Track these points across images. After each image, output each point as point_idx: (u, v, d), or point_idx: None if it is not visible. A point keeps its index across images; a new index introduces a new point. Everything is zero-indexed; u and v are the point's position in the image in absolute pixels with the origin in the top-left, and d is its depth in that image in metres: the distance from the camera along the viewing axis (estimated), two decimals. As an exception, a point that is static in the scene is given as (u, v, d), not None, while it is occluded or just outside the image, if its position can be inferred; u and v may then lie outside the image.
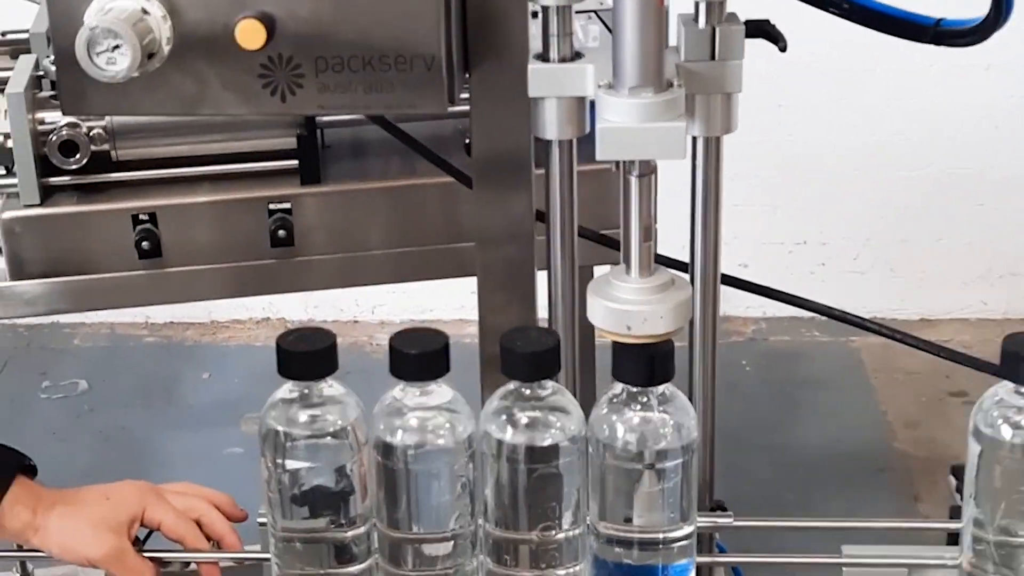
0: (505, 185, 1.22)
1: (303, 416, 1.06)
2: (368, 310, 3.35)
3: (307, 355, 1.05)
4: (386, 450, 1.04)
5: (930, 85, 3.10)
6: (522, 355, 1.00)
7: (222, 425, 2.97)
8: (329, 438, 1.06)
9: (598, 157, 1.02)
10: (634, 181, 1.05)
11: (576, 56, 1.14)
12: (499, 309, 1.27)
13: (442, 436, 1.04)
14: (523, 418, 1.02)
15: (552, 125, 1.15)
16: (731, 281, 1.35)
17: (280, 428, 1.06)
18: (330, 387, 1.08)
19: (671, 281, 1.07)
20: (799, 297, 1.55)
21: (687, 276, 1.20)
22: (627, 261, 1.07)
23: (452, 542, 1.07)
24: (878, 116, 3.14)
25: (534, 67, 1.13)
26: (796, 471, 2.70)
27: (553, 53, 1.14)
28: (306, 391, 1.07)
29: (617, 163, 1.07)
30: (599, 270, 1.57)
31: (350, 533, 1.09)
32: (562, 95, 1.14)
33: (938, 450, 2.75)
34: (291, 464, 1.06)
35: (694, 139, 1.17)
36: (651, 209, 1.07)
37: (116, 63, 1.05)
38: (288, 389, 1.07)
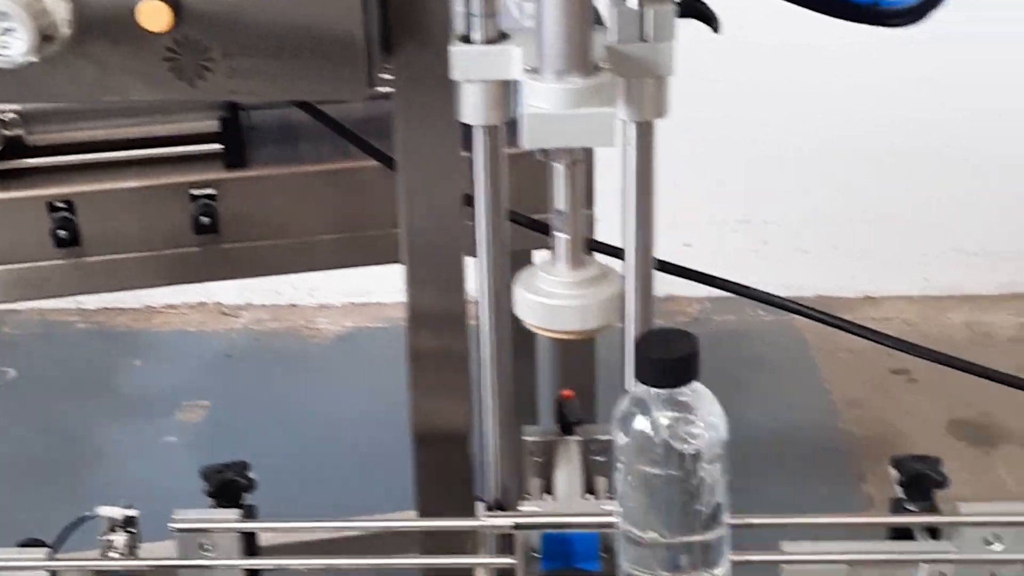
0: (431, 170, 1.17)
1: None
2: (306, 293, 3.28)
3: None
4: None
5: (874, 61, 3.07)
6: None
7: (157, 413, 2.91)
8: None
9: (523, 145, 0.97)
10: (561, 169, 1.00)
11: (502, 37, 1.09)
12: (427, 296, 1.23)
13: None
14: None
15: (476, 110, 1.09)
16: (669, 268, 1.30)
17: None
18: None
19: (602, 274, 1.02)
20: (733, 282, 1.52)
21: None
22: (555, 253, 1.02)
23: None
24: (821, 93, 3.11)
25: (456, 49, 1.08)
26: (741, 453, 2.66)
27: (476, 34, 1.08)
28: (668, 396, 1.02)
29: (545, 151, 1.02)
30: (541, 256, 1.54)
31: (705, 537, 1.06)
32: (486, 78, 1.08)
33: (881, 429, 2.74)
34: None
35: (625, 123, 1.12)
36: (580, 199, 1.02)
37: (10, 47, 0.99)
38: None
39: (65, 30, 1.03)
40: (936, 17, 1.12)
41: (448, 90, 1.12)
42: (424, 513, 1.27)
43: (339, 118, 1.64)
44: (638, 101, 1.09)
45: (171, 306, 3.32)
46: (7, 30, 0.98)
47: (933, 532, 1.19)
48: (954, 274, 3.22)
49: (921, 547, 1.17)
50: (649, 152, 1.14)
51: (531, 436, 1.32)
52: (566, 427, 1.33)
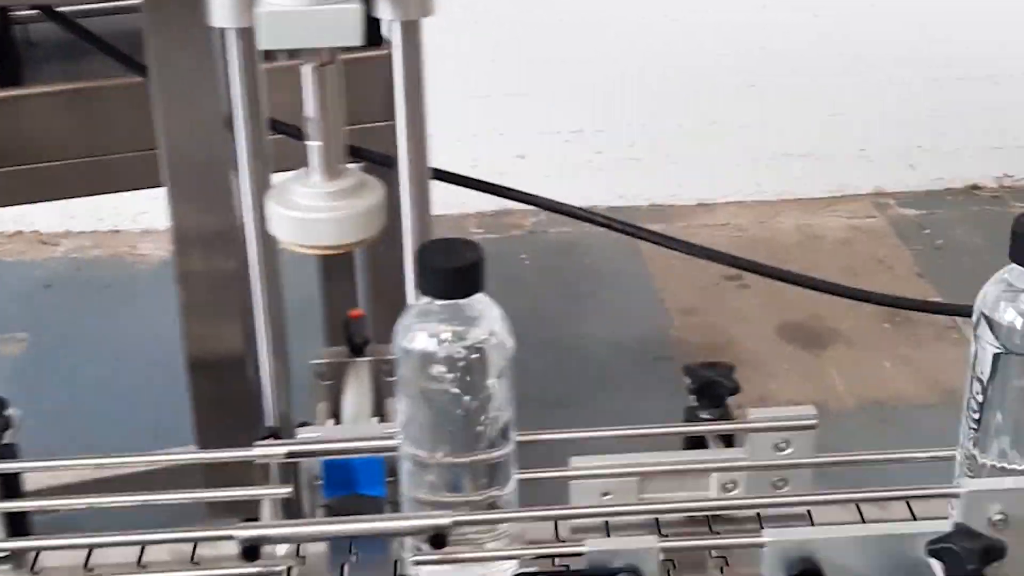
0: (186, 81, 1.09)
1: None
2: (129, 219, 3.16)
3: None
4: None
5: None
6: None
7: (-29, 348, 2.79)
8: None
9: (260, 46, 0.90)
10: (309, 72, 0.93)
11: (245, -70, 1.01)
12: (193, 216, 1.15)
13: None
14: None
15: (225, 11, 1.01)
16: (450, 178, 1.24)
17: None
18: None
19: (360, 184, 0.96)
20: (537, 196, 1.46)
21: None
22: (308, 163, 0.95)
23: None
24: (650, 2, 3.07)
25: (196, -56, 1.00)
26: (577, 364, 2.65)
27: (218, -72, 1.00)
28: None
29: (290, 53, 0.95)
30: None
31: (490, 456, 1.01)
32: (232, -24, 1.00)
33: (714, 336, 2.74)
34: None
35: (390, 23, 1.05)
36: (335, 103, 0.95)
37: None
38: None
39: None
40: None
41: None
42: (204, 444, 1.20)
43: (115, 31, 1.54)
44: (400, -2, 1.03)
45: (-15, 236, 3.17)
46: None
47: (727, 440, 1.17)
48: (785, 178, 3.23)
49: (712, 455, 1.14)
50: (417, 54, 1.07)
51: (319, 359, 1.26)
52: (356, 348, 1.27)
